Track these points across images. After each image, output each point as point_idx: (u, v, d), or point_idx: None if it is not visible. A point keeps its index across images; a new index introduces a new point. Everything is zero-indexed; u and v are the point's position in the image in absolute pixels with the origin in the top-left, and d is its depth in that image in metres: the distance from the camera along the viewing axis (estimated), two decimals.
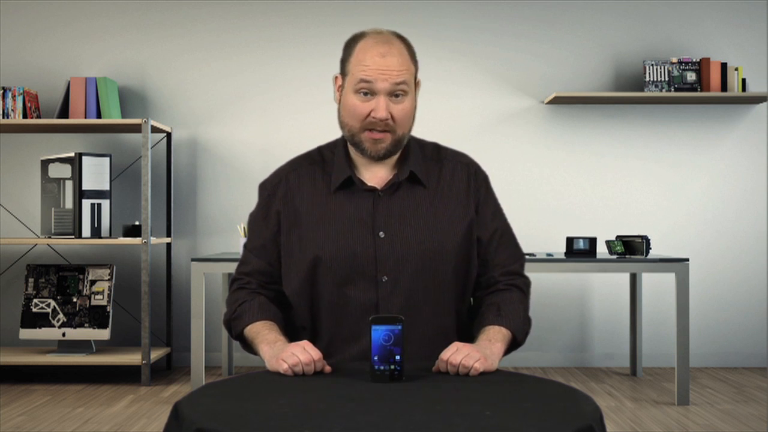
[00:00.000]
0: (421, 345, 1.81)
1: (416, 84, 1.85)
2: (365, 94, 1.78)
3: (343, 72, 1.85)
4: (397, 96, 1.79)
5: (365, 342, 1.58)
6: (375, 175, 1.87)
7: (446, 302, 1.85)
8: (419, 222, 1.83)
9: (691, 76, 4.75)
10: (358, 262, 1.80)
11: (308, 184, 1.89)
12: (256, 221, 1.93)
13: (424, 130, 3.84)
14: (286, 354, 1.63)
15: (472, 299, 1.95)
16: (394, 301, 1.80)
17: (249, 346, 1.84)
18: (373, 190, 1.85)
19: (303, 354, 1.61)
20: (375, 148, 1.81)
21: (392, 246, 1.81)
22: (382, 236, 1.82)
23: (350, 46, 1.84)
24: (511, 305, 1.84)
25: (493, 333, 1.77)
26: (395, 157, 1.88)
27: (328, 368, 1.65)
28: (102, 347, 4.72)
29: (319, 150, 1.95)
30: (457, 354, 1.63)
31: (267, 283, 1.89)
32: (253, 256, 1.91)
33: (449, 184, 1.89)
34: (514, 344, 1.83)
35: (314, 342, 1.85)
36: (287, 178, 1.91)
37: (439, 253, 1.82)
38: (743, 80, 4.75)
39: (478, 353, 1.64)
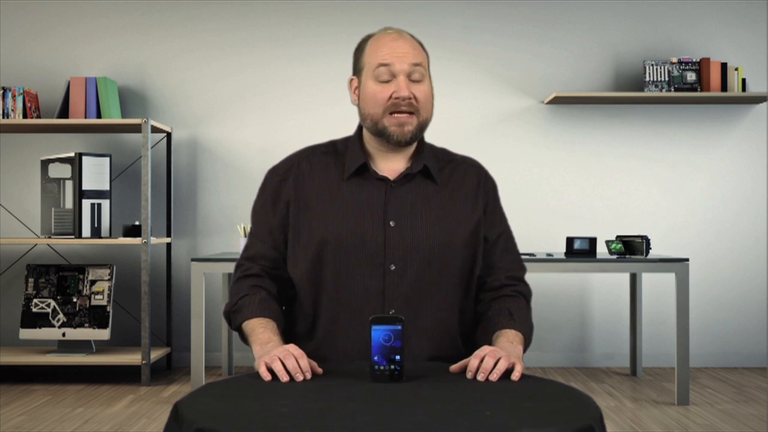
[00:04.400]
0: (423, 337, 1.82)
1: (430, 78, 1.89)
2: (385, 81, 1.81)
3: (358, 70, 1.88)
4: (415, 80, 1.82)
5: (366, 330, 1.57)
6: (388, 167, 1.88)
7: (451, 296, 1.85)
8: (429, 215, 1.84)
9: (691, 76, 4.75)
10: (367, 248, 1.81)
11: (320, 171, 1.89)
12: (263, 207, 1.91)
13: None
14: (271, 357, 1.60)
15: (478, 301, 1.94)
16: (401, 290, 1.80)
17: (246, 340, 1.84)
18: (385, 179, 1.86)
19: (289, 361, 1.58)
20: (401, 131, 1.82)
21: (402, 235, 1.82)
22: (393, 225, 1.82)
23: (361, 46, 1.89)
24: (521, 312, 1.86)
25: (512, 336, 1.78)
26: (410, 150, 1.89)
27: (319, 370, 1.62)
28: (102, 347, 4.72)
29: (333, 142, 1.96)
30: (490, 357, 1.59)
31: (271, 268, 1.88)
32: (258, 240, 1.90)
33: (460, 183, 1.91)
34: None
35: (315, 328, 1.85)
36: (299, 164, 1.91)
37: (447, 247, 1.83)
38: (743, 80, 4.75)
39: (509, 358, 1.61)
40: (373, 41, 1.85)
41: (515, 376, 1.57)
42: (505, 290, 1.90)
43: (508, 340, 1.76)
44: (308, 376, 1.57)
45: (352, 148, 1.89)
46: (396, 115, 1.81)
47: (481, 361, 1.58)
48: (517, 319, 1.83)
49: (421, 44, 1.88)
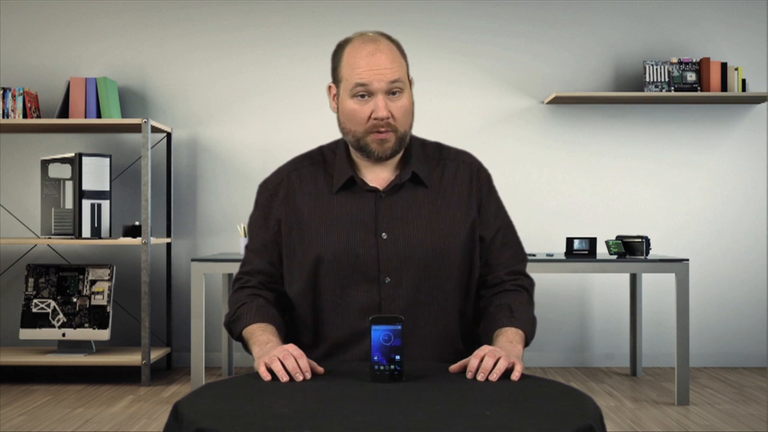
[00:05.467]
0: (423, 346, 1.81)
1: (410, 81, 1.85)
2: (362, 96, 1.78)
3: (336, 79, 1.86)
4: (393, 93, 1.79)
5: (367, 343, 1.57)
6: (377, 176, 1.86)
7: (449, 303, 1.84)
8: (421, 223, 1.83)
9: (691, 76, 4.75)
10: (361, 263, 1.80)
11: (310, 184, 1.88)
12: (256, 222, 1.92)
13: (424, 130, 3.84)
14: (270, 357, 1.60)
15: (480, 297, 1.93)
16: (397, 302, 1.79)
17: (248, 348, 1.84)
18: (374, 190, 1.84)
19: (288, 361, 1.58)
20: (381, 148, 1.80)
21: (395, 247, 1.80)
22: (385, 237, 1.81)
23: (338, 53, 1.86)
24: (521, 307, 1.84)
25: (511, 334, 1.77)
26: (397, 158, 1.87)
27: (319, 369, 1.62)
28: (102, 347, 4.72)
29: (321, 150, 1.94)
30: (490, 357, 1.59)
31: (268, 282, 1.89)
32: (254, 256, 1.90)
33: (451, 184, 1.88)
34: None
35: (316, 343, 1.85)
36: (288, 177, 1.90)
37: (441, 255, 1.81)
38: (743, 80, 4.75)
39: (508, 357, 1.60)
40: (350, 53, 1.81)
41: (515, 376, 1.56)
42: (505, 285, 1.88)
43: (508, 339, 1.75)
44: (308, 376, 1.57)
45: (339, 158, 1.88)
46: (375, 134, 1.79)
47: (481, 360, 1.58)
48: (517, 316, 1.81)
49: (399, 48, 1.84)
